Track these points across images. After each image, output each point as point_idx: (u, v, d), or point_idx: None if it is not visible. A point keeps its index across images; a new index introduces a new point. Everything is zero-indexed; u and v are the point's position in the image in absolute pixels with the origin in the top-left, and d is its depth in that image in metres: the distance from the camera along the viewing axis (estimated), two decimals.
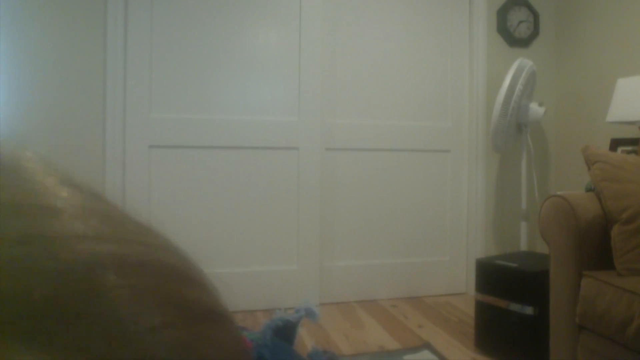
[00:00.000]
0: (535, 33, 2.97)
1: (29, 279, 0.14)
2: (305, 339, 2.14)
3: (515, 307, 1.85)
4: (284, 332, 0.42)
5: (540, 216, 1.68)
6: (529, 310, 1.81)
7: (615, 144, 2.43)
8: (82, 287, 0.14)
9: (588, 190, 1.96)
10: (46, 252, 0.14)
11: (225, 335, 0.19)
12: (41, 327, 0.13)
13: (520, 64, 2.58)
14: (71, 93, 2.35)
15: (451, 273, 2.91)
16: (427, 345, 2.07)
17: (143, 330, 0.15)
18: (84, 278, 0.15)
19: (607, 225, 1.56)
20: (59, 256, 0.15)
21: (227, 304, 0.19)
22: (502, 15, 2.91)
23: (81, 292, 0.14)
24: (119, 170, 2.40)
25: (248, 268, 2.58)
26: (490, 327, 1.96)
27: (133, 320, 0.15)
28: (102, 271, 0.15)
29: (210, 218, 2.53)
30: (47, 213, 0.16)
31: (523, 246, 2.66)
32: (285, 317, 0.43)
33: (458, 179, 2.93)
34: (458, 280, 2.93)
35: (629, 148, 2.34)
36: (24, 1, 2.28)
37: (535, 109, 2.59)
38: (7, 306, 0.13)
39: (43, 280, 0.14)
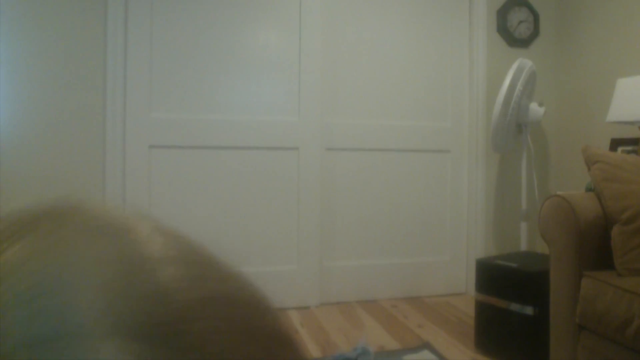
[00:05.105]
0: (535, 33, 2.97)
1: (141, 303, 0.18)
2: (306, 339, 2.14)
3: (515, 307, 1.85)
4: None
5: (540, 216, 1.68)
6: (529, 310, 1.81)
7: (615, 144, 2.43)
8: (192, 316, 0.19)
9: (588, 190, 1.96)
10: (148, 297, 0.19)
11: (293, 354, 0.23)
12: (147, 334, 0.18)
13: (520, 64, 2.58)
14: (71, 93, 2.35)
15: (451, 273, 2.92)
16: (427, 345, 2.07)
17: (227, 348, 0.19)
18: (192, 311, 0.19)
19: (607, 225, 1.56)
20: (157, 297, 0.19)
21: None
22: (502, 15, 2.91)
23: (192, 319, 0.19)
24: (119, 170, 2.40)
25: (248, 268, 2.58)
26: (491, 327, 1.96)
27: (219, 342, 0.19)
28: (205, 305, 0.20)
29: (210, 218, 2.53)
30: (147, 264, 0.20)
31: (523, 246, 2.66)
32: (345, 354, 0.50)
33: (458, 179, 2.93)
34: (458, 280, 2.93)
35: (629, 148, 2.34)
36: (24, 1, 2.28)
37: (535, 109, 2.59)
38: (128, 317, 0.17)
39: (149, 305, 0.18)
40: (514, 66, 2.57)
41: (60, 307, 0.18)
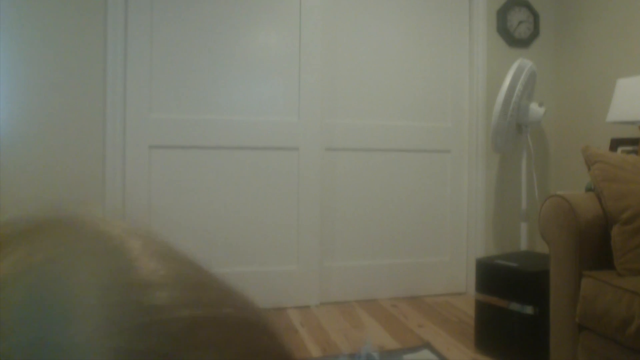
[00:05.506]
0: (535, 33, 2.97)
1: (143, 338, 0.18)
2: (306, 339, 2.15)
3: (515, 306, 1.85)
4: None
5: (540, 216, 1.68)
6: (529, 310, 1.82)
7: (615, 144, 2.43)
8: (185, 343, 0.18)
9: (588, 190, 1.96)
10: (152, 319, 0.18)
11: None
12: None
13: (520, 64, 2.58)
14: (71, 93, 2.36)
15: (451, 273, 2.92)
16: (427, 345, 2.07)
17: None
18: (185, 336, 0.19)
19: (607, 225, 1.56)
20: (162, 323, 0.18)
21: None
22: (502, 15, 2.91)
23: (185, 347, 0.18)
24: (119, 170, 2.40)
25: (248, 268, 2.58)
26: (490, 327, 1.96)
27: None
28: (199, 330, 0.19)
29: (211, 218, 2.53)
30: (147, 288, 0.20)
31: (523, 246, 2.66)
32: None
33: (458, 179, 2.93)
34: (458, 280, 2.93)
35: (629, 148, 2.34)
36: (24, 2, 2.28)
37: (536, 109, 2.59)
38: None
39: (153, 338, 0.18)
40: (514, 66, 2.57)
41: (54, 320, 0.17)
